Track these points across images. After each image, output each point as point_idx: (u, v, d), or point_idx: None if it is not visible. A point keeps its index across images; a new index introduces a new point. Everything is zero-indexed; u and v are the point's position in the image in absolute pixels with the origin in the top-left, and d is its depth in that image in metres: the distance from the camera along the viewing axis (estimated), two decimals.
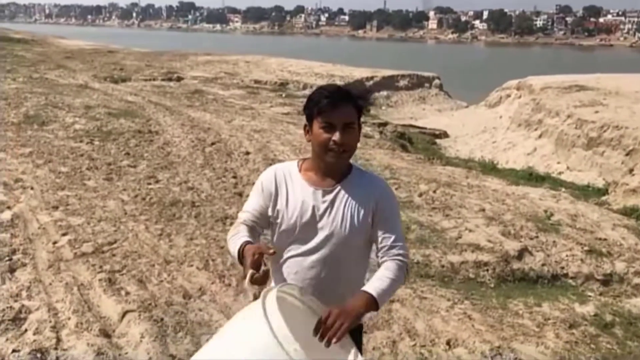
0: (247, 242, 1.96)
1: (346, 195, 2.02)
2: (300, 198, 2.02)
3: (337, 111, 1.94)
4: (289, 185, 2.06)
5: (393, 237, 2.04)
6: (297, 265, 2.05)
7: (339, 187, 2.03)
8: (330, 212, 2.01)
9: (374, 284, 1.93)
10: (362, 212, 2.03)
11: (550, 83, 17.66)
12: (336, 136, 1.94)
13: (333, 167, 2.02)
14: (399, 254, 2.03)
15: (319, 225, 2.02)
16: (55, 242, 4.81)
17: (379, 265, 2.05)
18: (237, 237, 2.02)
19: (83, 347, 3.34)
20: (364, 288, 1.92)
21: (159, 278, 4.31)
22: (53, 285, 4.08)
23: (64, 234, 4.96)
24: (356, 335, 1.95)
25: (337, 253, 2.03)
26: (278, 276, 2.09)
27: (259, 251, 1.86)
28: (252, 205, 2.11)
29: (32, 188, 6.15)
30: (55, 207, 5.61)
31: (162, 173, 7.07)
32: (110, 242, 4.89)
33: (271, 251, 1.90)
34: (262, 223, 2.12)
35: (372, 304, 1.87)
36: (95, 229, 5.13)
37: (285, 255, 2.07)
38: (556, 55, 75.07)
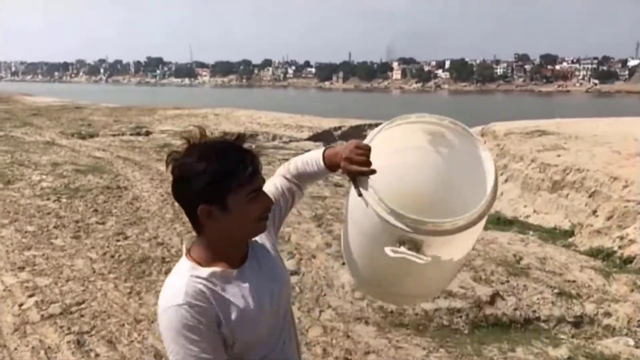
0: None
1: (257, 255, 1.67)
2: (245, 293, 1.56)
3: (258, 173, 1.55)
4: (221, 293, 1.53)
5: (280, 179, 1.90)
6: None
7: (250, 256, 1.65)
8: (269, 282, 1.65)
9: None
10: (274, 252, 1.74)
11: (513, 129, 18.12)
12: (267, 200, 1.57)
13: (249, 240, 1.64)
14: None
15: (274, 299, 1.64)
16: (21, 305, 4.69)
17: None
18: None
19: None
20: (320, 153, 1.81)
21: (129, 338, 4.21)
22: (19, 350, 3.96)
23: (30, 296, 4.85)
24: None
25: (289, 310, 1.78)
26: None
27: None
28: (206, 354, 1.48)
29: None
30: (22, 268, 5.49)
31: (131, 229, 6.99)
32: (79, 302, 4.79)
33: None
34: None
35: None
36: (63, 289, 5.02)
37: None
38: (517, 102, 77.36)
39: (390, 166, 1.77)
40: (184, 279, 1.52)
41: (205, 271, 1.54)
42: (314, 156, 1.83)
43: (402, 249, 1.57)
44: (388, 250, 1.57)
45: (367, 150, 1.64)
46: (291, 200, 1.88)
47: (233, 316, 1.52)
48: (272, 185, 1.84)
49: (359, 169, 1.62)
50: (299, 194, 1.90)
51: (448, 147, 1.90)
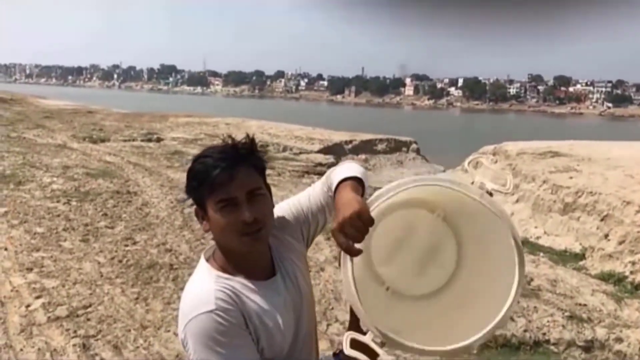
0: None
1: (287, 267, 1.61)
2: (264, 305, 1.49)
3: (234, 181, 1.43)
4: (250, 304, 1.47)
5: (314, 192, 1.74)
6: None
7: (279, 267, 1.59)
8: (294, 299, 1.58)
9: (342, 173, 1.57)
10: (299, 261, 1.66)
11: (525, 149, 18.05)
12: (244, 214, 1.42)
13: (257, 254, 1.53)
14: None
15: (294, 319, 1.58)
16: (28, 306, 4.67)
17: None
18: None
19: None
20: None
21: (134, 344, 4.18)
22: (24, 350, 3.94)
23: (37, 297, 4.83)
24: None
25: (313, 330, 1.71)
26: None
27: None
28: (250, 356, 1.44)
29: (6, 249, 6.02)
30: (30, 269, 5.48)
31: (140, 234, 6.98)
32: (85, 305, 4.77)
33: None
34: None
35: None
36: (70, 292, 5.00)
37: None
38: (530, 122, 77.21)
39: (388, 244, 1.64)
40: (210, 283, 1.46)
41: (231, 278, 1.49)
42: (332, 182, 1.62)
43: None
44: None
45: (367, 224, 1.38)
46: (329, 214, 1.70)
47: (257, 324, 1.46)
48: (307, 195, 1.72)
49: (344, 246, 1.37)
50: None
51: (469, 228, 1.71)
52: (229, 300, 1.43)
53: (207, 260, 1.54)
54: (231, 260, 1.50)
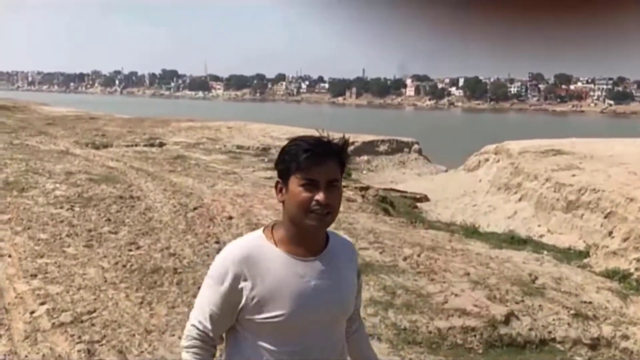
0: None
1: (334, 263, 1.75)
2: (288, 278, 1.67)
3: (320, 167, 1.66)
4: (266, 265, 1.67)
5: (359, 313, 2.01)
6: None
7: (326, 255, 1.74)
8: (328, 283, 1.71)
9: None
10: (352, 280, 1.82)
11: (527, 147, 18.04)
12: (319, 195, 1.64)
13: (314, 232, 1.71)
14: (362, 323, 2.04)
15: (318, 302, 1.69)
16: (32, 312, 4.67)
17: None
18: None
19: None
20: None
21: (139, 348, 4.18)
22: (29, 357, 3.94)
23: (42, 303, 4.83)
24: None
25: (336, 330, 1.80)
26: None
27: None
28: (210, 307, 1.70)
29: (9, 256, 6.02)
30: (34, 275, 5.48)
31: (144, 239, 6.98)
32: (90, 311, 4.76)
33: None
34: (221, 331, 1.75)
35: None
36: (75, 298, 5.00)
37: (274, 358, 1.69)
38: (531, 121, 77.10)
39: None
40: (248, 240, 1.76)
41: (272, 247, 1.71)
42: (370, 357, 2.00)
43: None
44: None
45: None
46: None
47: (263, 289, 1.66)
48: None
49: None
50: None
51: None
52: (245, 261, 1.67)
53: (264, 230, 1.76)
54: (287, 234, 1.72)
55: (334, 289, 1.73)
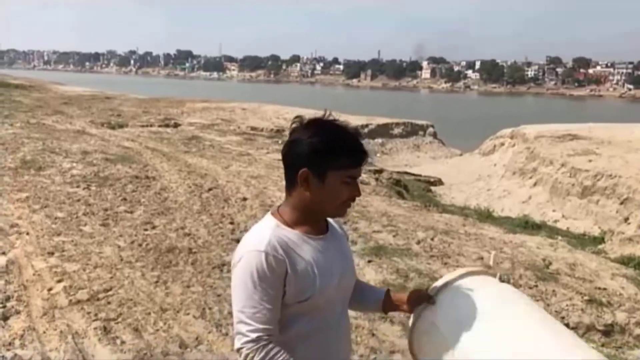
0: None
1: (337, 238, 1.85)
2: (314, 255, 1.71)
3: (361, 165, 1.72)
4: (295, 248, 1.68)
5: None
6: (321, 341, 1.73)
7: (330, 232, 1.82)
8: (341, 257, 1.81)
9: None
10: (350, 250, 1.94)
11: (543, 132, 17.87)
12: (357, 191, 1.72)
13: (332, 218, 1.84)
14: None
15: (340, 275, 1.77)
16: (50, 289, 4.74)
17: None
18: None
19: None
20: (382, 293, 2.02)
21: (154, 327, 4.23)
22: (47, 333, 4.00)
23: (59, 281, 4.90)
24: None
25: (346, 305, 1.88)
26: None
27: None
28: (264, 299, 1.61)
29: (27, 233, 6.10)
30: (51, 253, 5.55)
31: (159, 219, 7.04)
32: (106, 289, 4.82)
33: None
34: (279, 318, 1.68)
35: None
36: (91, 276, 5.07)
37: (307, 338, 1.71)
38: (548, 105, 76.26)
39: None
40: (269, 230, 1.69)
41: (289, 229, 1.71)
42: (377, 294, 2.03)
43: None
44: None
45: None
46: None
47: (300, 271, 1.66)
48: None
49: None
50: None
51: None
52: (279, 248, 1.64)
53: (272, 214, 1.76)
54: (299, 215, 1.73)
55: (346, 260, 1.84)
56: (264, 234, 1.68)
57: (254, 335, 1.59)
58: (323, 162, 1.66)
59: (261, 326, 1.59)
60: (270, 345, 1.59)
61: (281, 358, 1.59)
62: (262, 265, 1.61)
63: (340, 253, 1.82)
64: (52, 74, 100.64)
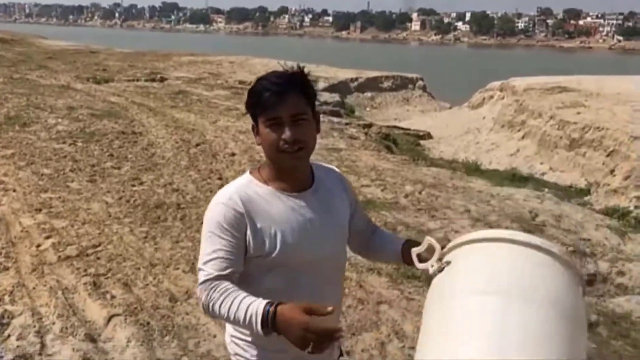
0: (269, 303, 1.48)
1: (324, 193, 1.77)
2: (284, 212, 1.67)
3: (281, 104, 1.62)
4: (261, 203, 1.66)
5: (365, 214, 2.04)
6: (301, 299, 1.59)
7: (314, 188, 1.76)
8: (322, 216, 1.73)
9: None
10: (344, 206, 1.84)
11: (532, 84, 17.81)
12: (285, 133, 1.63)
13: (293, 169, 1.71)
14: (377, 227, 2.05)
15: (317, 235, 1.71)
16: (38, 245, 4.75)
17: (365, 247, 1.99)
18: (231, 296, 1.54)
19: (68, 353, 3.30)
20: (400, 244, 1.86)
21: (144, 281, 4.27)
22: (37, 289, 4.03)
23: (47, 237, 4.90)
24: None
25: (337, 261, 1.83)
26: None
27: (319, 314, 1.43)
28: (220, 248, 1.61)
29: (14, 190, 6.07)
30: (39, 210, 5.54)
31: (147, 175, 7.01)
32: (95, 245, 4.84)
33: (330, 309, 1.45)
34: (238, 269, 1.65)
35: None
36: (80, 232, 5.07)
37: (280, 295, 1.59)
38: (538, 57, 75.84)
39: None
40: (236, 185, 1.72)
41: (263, 185, 1.70)
42: (396, 245, 1.88)
43: None
44: None
45: None
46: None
47: (260, 227, 1.64)
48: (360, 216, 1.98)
49: None
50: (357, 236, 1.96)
51: None
52: (239, 202, 1.65)
53: (251, 172, 1.76)
54: (273, 171, 1.72)
55: (328, 220, 1.75)
56: (230, 189, 1.70)
57: (204, 279, 1.60)
58: (253, 110, 1.69)
59: (214, 272, 1.60)
60: (217, 282, 1.58)
61: (224, 289, 1.56)
62: (220, 217, 1.63)
63: (324, 212, 1.74)
64: (35, 28, 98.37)
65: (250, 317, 1.48)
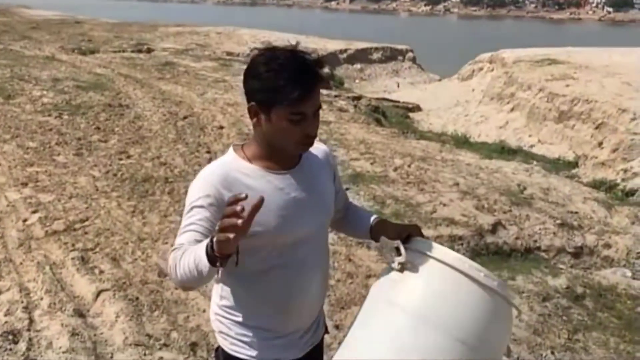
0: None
1: (310, 171, 1.73)
2: (267, 191, 1.59)
3: (310, 99, 1.55)
4: (244, 181, 1.61)
5: (344, 191, 2.01)
6: (280, 279, 1.67)
7: (301, 166, 1.71)
8: (308, 194, 1.69)
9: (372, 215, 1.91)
10: (329, 185, 1.80)
11: (522, 56, 17.76)
12: (310, 129, 1.59)
13: (296, 155, 1.70)
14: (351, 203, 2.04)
15: (302, 214, 1.67)
16: (25, 220, 4.70)
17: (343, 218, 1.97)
18: (189, 251, 1.49)
19: (57, 328, 3.29)
20: (375, 219, 1.87)
21: (133, 256, 4.25)
22: (24, 264, 4.00)
23: (34, 212, 4.86)
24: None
25: (322, 238, 1.79)
26: (253, 304, 1.69)
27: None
28: (194, 222, 1.57)
29: None
30: (25, 184, 5.48)
31: (134, 148, 6.94)
32: (82, 219, 4.80)
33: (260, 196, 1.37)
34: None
35: None
36: (66, 206, 5.03)
37: (265, 274, 1.65)
38: (528, 29, 75.49)
39: None
40: (219, 163, 1.67)
41: (247, 163, 1.64)
42: (365, 222, 1.89)
43: None
44: None
45: None
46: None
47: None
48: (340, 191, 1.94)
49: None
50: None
51: None
52: (221, 180, 1.59)
53: (234, 148, 1.70)
54: (261, 150, 1.65)
55: (314, 200, 1.70)
56: (212, 167, 1.66)
57: (173, 248, 1.56)
58: (267, 98, 1.56)
59: (184, 242, 1.54)
60: (182, 248, 1.52)
61: (184, 249, 1.51)
62: (201, 192, 1.58)
63: (310, 191, 1.70)
64: None
65: (199, 259, 1.42)
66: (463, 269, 1.55)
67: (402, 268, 1.60)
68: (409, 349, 1.47)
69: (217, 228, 1.36)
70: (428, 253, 1.60)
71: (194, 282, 1.51)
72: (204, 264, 1.40)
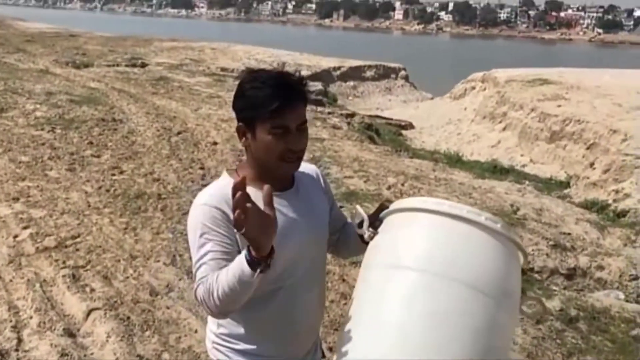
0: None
1: (305, 192, 1.73)
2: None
3: (290, 113, 1.57)
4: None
5: (341, 212, 2.01)
6: (283, 300, 1.66)
7: (295, 188, 1.71)
8: (304, 215, 1.68)
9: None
10: (323, 205, 1.81)
11: (514, 76, 17.91)
12: (292, 143, 1.58)
13: (285, 175, 1.69)
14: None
15: (299, 236, 1.66)
16: (15, 236, 4.65)
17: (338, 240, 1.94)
18: (222, 273, 1.48)
19: (46, 348, 3.24)
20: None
21: (124, 274, 4.21)
22: (14, 281, 3.95)
23: (25, 227, 4.81)
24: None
25: (319, 260, 1.80)
26: (251, 330, 1.68)
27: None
28: (209, 250, 1.54)
29: None
30: (16, 199, 5.43)
31: (127, 163, 6.91)
32: (74, 235, 4.76)
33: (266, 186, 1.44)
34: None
35: None
36: (58, 222, 4.98)
37: (263, 299, 1.63)
38: (519, 48, 76.25)
39: None
40: (216, 186, 1.65)
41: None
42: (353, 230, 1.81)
43: None
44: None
45: None
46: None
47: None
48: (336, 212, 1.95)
49: None
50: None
51: None
52: (223, 203, 1.56)
53: (228, 171, 1.71)
54: (256, 173, 1.64)
55: (311, 220, 1.70)
56: (210, 190, 1.65)
57: (198, 281, 1.53)
58: (249, 114, 1.59)
59: (209, 274, 1.52)
60: (210, 276, 1.51)
61: (215, 275, 1.50)
62: (203, 218, 1.57)
63: (305, 212, 1.69)
64: (13, 9, 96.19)
65: (240, 271, 1.42)
66: (462, 214, 1.47)
67: (373, 234, 1.63)
68: (418, 307, 1.38)
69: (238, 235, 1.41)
70: (420, 207, 1.54)
71: (238, 298, 1.48)
72: (247, 273, 1.40)
